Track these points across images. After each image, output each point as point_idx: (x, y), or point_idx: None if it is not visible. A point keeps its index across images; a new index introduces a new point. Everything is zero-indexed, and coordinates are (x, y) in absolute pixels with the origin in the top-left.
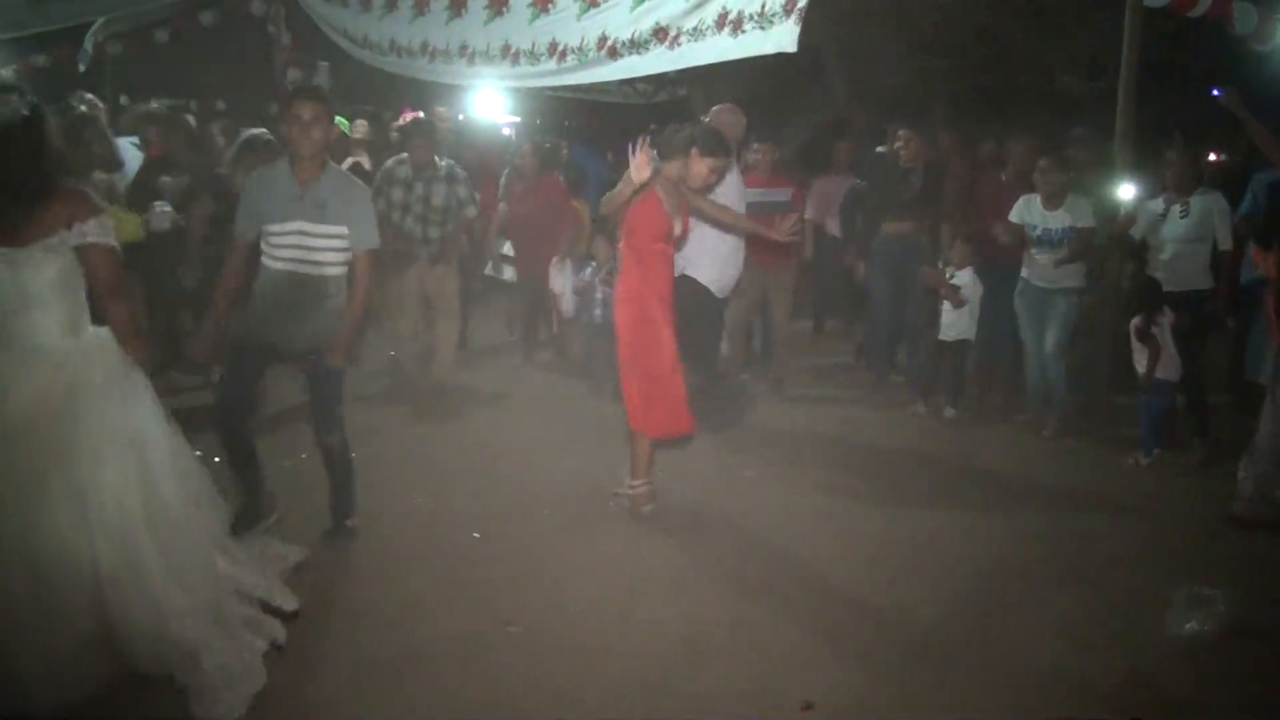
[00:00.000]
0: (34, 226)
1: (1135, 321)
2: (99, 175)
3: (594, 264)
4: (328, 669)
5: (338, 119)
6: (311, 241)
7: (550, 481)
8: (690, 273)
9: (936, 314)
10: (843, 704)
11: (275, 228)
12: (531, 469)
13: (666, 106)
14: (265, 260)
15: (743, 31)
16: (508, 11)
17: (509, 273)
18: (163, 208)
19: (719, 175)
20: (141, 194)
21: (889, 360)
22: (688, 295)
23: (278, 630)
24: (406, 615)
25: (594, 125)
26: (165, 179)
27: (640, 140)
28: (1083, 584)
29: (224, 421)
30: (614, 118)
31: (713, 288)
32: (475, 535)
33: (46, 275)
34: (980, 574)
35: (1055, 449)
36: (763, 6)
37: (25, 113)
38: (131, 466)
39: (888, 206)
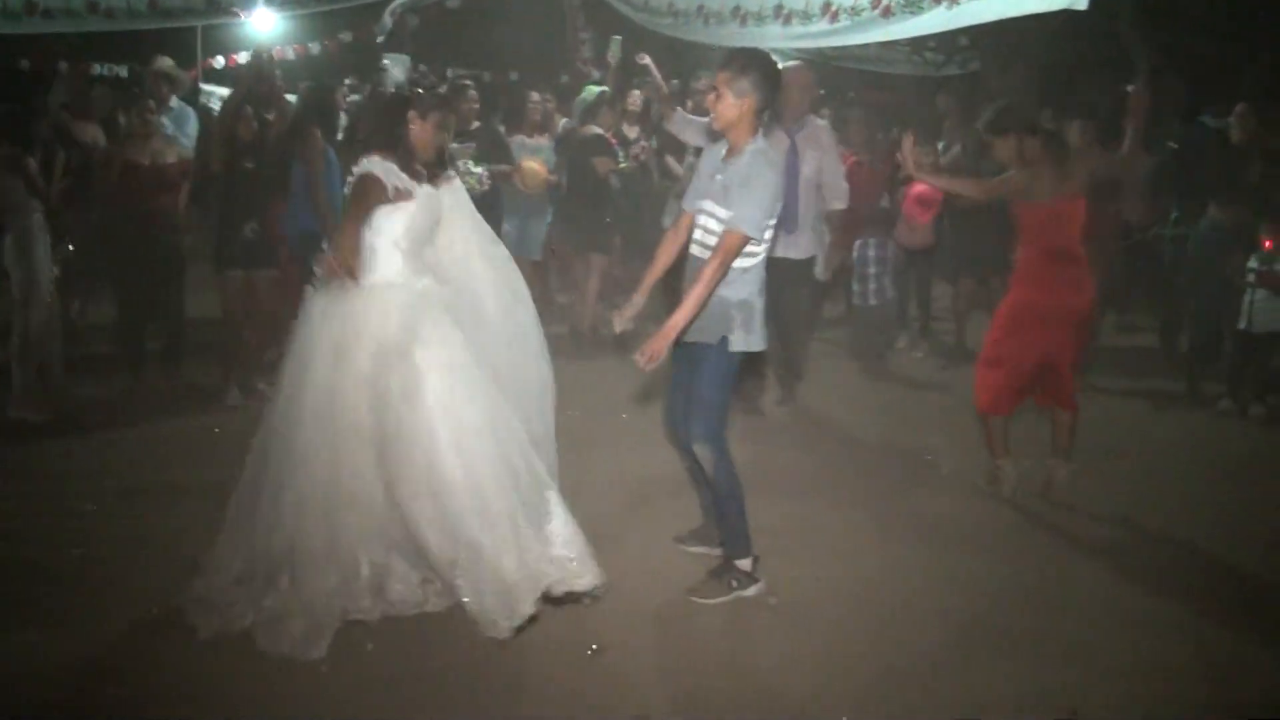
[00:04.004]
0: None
1: None
2: None
3: None
4: None
5: (588, 87)
6: (709, 223)
7: None
8: None
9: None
10: None
11: (689, 205)
12: None
13: (955, 81)
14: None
15: None
16: None
17: None
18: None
19: None
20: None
21: (1212, 357)
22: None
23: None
24: None
25: (878, 98)
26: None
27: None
28: None
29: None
30: (899, 90)
31: None
32: None
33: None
34: None
35: None
36: None
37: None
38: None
39: (1218, 188)
